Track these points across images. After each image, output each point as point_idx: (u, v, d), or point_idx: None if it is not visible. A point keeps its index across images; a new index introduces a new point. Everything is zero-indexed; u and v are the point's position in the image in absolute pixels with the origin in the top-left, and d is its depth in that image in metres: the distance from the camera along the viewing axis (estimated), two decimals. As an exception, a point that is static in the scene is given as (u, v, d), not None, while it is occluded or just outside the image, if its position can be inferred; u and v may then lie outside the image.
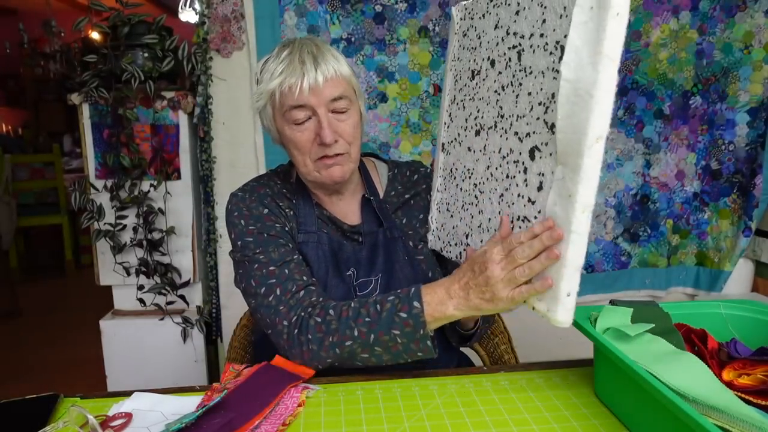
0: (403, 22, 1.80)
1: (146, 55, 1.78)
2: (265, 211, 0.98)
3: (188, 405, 0.79)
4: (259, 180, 1.05)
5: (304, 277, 0.92)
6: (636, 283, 2.08)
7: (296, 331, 0.86)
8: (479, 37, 0.85)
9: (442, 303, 0.80)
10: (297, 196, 1.02)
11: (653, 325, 0.77)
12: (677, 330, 0.80)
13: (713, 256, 2.05)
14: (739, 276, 2.07)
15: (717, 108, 1.96)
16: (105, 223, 1.82)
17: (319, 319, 0.85)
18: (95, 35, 1.89)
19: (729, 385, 0.70)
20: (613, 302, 0.85)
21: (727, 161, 1.99)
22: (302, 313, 0.87)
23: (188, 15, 2.70)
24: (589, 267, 2.04)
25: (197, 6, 1.76)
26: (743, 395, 0.68)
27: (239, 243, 0.96)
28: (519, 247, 0.72)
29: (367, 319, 0.82)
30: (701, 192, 2.04)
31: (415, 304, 0.80)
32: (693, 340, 0.80)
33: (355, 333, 0.82)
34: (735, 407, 0.59)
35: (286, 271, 0.91)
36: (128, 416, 0.77)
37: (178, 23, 2.60)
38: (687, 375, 0.65)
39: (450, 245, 0.96)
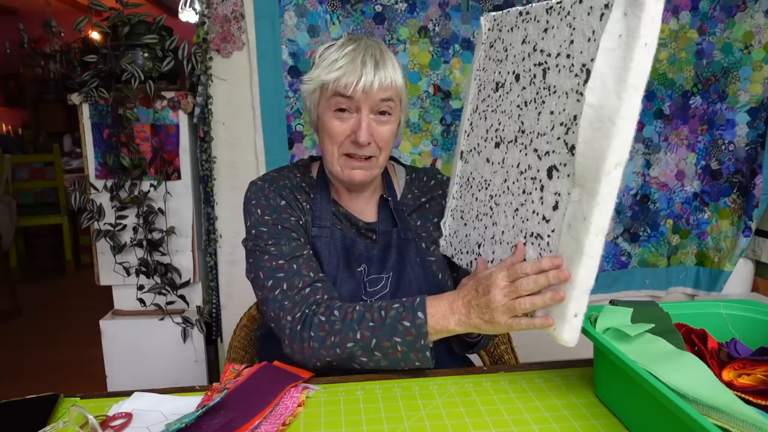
0: (403, 22, 1.80)
1: (146, 55, 1.78)
2: (282, 203, 0.99)
3: (188, 405, 0.79)
4: (279, 171, 1.06)
5: (311, 273, 0.92)
6: (636, 283, 2.08)
7: (299, 327, 0.86)
8: (506, 50, 0.85)
9: (444, 317, 0.82)
10: (315, 191, 1.04)
11: (653, 325, 0.77)
12: (677, 330, 0.80)
13: (713, 256, 2.05)
14: (739, 276, 2.07)
15: (717, 108, 1.96)
16: (105, 223, 1.82)
17: (323, 318, 0.86)
18: (95, 35, 1.89)
19: (729, 385, 0.70)
20: (613, 302, 0.85)
21: (727, 161, 1.99)
22: (306, 310, 0.87)
23: (188, 15, 2.70)
24: (589, 267, 2.04)
25: (197, 6, 1.76)
26: (743, 395, 0.68)
27: (253, 231, 0.97)
28: (524, 278, 0.74)
29: (371, 323, 0.83)
30: (701, 192, 2.04)
31: (419, 314, 0.82)
32: (693, 340, 0.81)
33: (358, 336, 0.83)
34: (735, 407, 0.59)
35: (295, 266, 0.92)
36: (128, 416, 0.77)
37: (178, 23, 2.60)
38: (687, 375, 0.65)
39: (461, 253, 0.97)
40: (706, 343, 0.79)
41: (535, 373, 0.89)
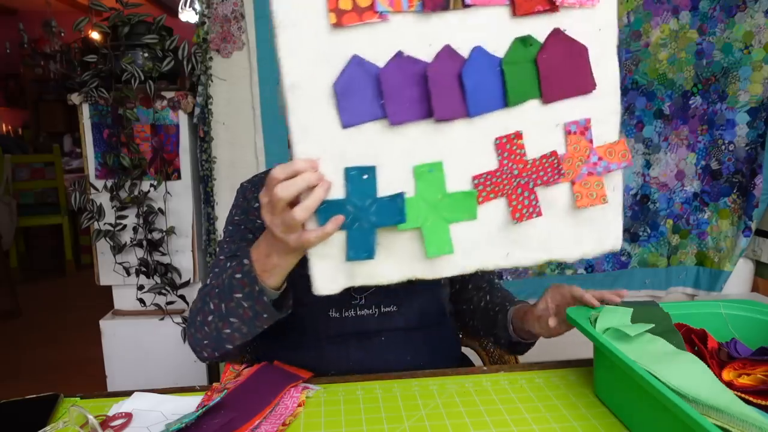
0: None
1: (146, 55, 1.78)
2: (256, 205, 1.00)
3: (188, 405, 0.79)
4: (268, 172, 1.08)
5: None
6: (636, 283, 2.08)
7: (189, 317, 0.90)
8: None
9: (267, 255, 0.76)
10: None
11: (653, 325, 0.77)
12: (677, 330, 0.80)
13: (713, 256, 2.05)
14: (739, 276, 2.07)
15: (717, 108, 1.96)
16: (105, 223, 1.82)
17: (199, 304, 0.87)
18: (95, 35, 1.89)
19: (729, 385, 0.70)
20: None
21: (727, 161, 1.99)
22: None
23: (188, 15, 2.69)
24: (589, 267, 2.04)
25: (197, 6, 1.76)
26: (743, 395, 0.68)
27: (224, 230, 1.01)
28: (278, 185, 0.67)
29: (216, 290, 0.83)
30: (701, 192, 2.04)
31: (245, 261, 0.79)
32: (693, 340, 0.80)
33: (211, 306, 0.83)
34: (735, 407, 0.59)
35: (228, 264, 0.93)
36: (128, 416, 0.77)
37: (178, 23, 2.60)
38: (687, 375, 0.65)
39: None
40: (706, 343, 0.79)
41: (535, 373, 0.89)
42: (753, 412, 0.59)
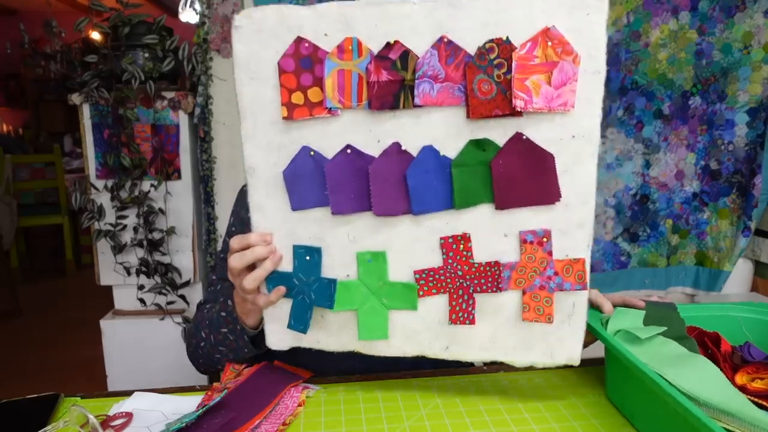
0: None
1: (147, 55, 1.78)
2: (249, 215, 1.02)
3: (188, 405, 0.79)
4: None
5: (230, 302, 0.95)
6: (635, 283, 2.08)
7: (186, 335, 0.97)
8: None
9: (243, 300, 0.82)
10: None
11: (665, 328, 0.76)
12: (690, 337, 0.78)
13: (713, 255, 2.05)
14: (739, 276, 2.07)
15: (716, 108, 1.96)
16: (105, 223, 1.82)
17: (193, 329, 0.95)
18: (96, 35, 1.89)
19: (742, 389, 0.69)
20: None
21: (727, 161, 1.99)
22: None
23: (188, 15, 2.70)
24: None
25: (197, 6, 1.76)
26: (756, 399, 0.66)
27: (223, 240, 1.04)
28: (232, 255, 0.74)
29: (207, 322, 0.91)
30: (701, 192, 2.04)
31: (229, 302, 0.86)
32: (706, 343, 0.79)
33: (203, 335, 0.91)
34: (747, 412, 0.58)
35: (220, 286, 0.98)
36: (129, 416, 0.77)
37: (179, 23, 2.60)
38: (699, 378, 0.64)
39: None
40: (719, 346, 0.77)
41: (535, 373, 0.89)
42: (766, 416, 0.58)
